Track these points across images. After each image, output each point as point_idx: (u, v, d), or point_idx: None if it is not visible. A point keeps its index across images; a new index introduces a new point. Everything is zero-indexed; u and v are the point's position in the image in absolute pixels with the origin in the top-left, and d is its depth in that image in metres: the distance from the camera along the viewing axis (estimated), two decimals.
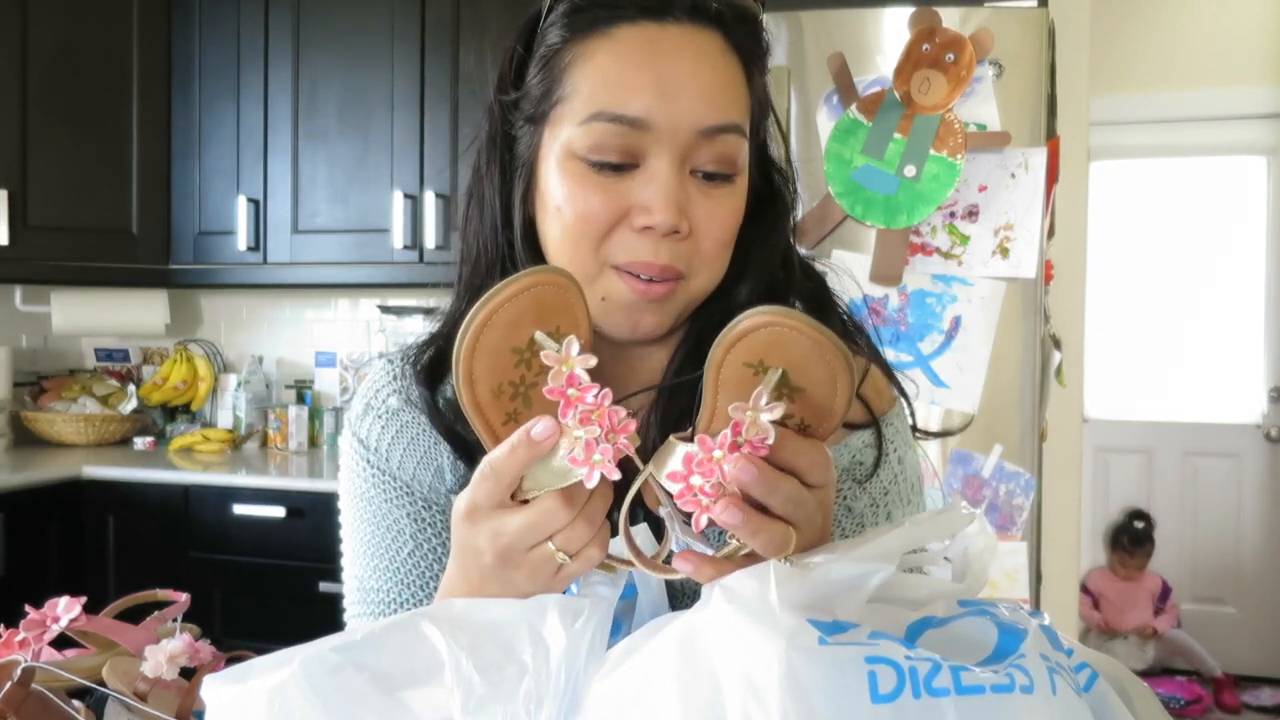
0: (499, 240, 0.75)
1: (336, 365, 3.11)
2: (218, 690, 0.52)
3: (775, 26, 2.09)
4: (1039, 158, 1.98)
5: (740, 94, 0.71)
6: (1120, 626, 3.89)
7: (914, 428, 0.84)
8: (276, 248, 2.83)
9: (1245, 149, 3.99)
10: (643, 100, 0.67)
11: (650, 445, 0.58)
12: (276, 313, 3.23)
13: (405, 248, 2.71)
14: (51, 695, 0.76)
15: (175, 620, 0.95)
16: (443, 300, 0.84)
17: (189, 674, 0.84)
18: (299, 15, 2.80)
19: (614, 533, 0.58)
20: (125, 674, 0.83)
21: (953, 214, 2.01)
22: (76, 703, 0.77)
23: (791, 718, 0.44)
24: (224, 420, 3.10)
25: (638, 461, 0.54)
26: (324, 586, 2.38)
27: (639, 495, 0.56)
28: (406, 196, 2.70)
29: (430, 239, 2.68)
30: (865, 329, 0.82)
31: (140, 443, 2.96)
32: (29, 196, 2.76)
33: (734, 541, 0.54)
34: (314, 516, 2.45)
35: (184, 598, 0.97)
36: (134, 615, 0.93)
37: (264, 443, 3.02)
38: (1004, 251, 1.99)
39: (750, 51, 0.72)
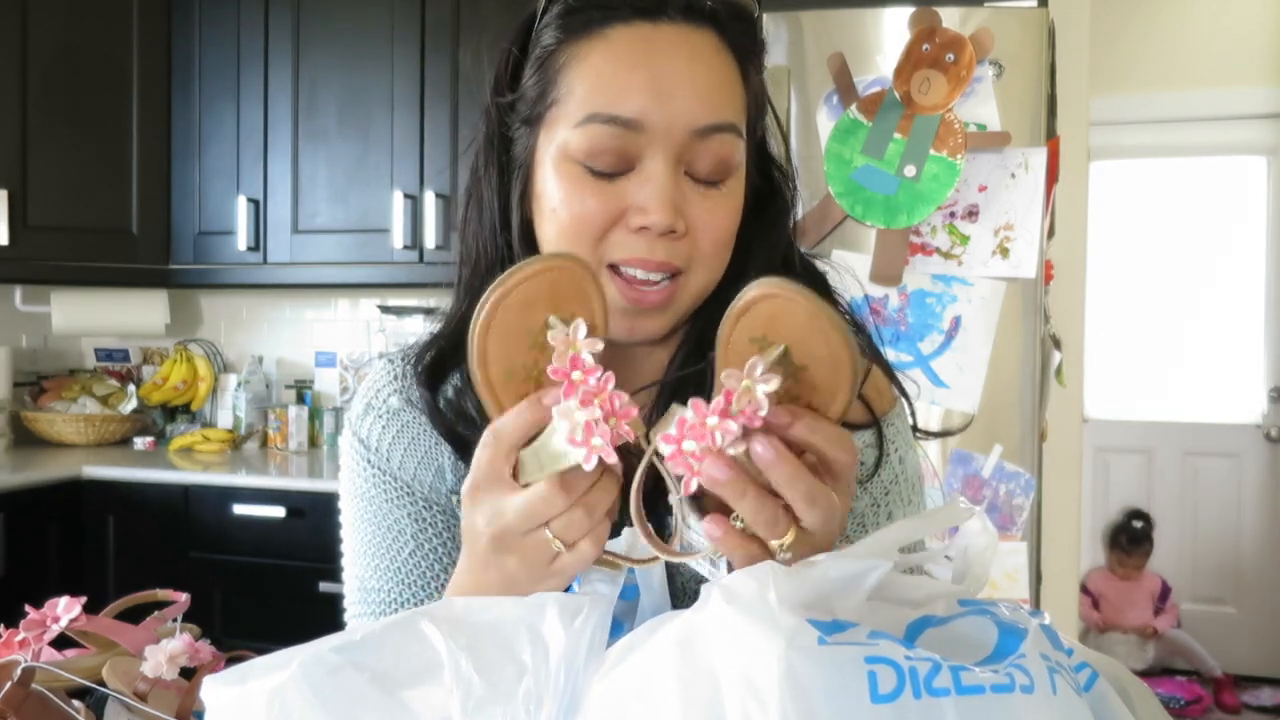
0: (497, 241, 0.75)
1: (336, 365, 3.11)
2: (218, 691, 0.52)
3: (775, 26, 2.09)
4: (1039, 158, 1.98)
5: (736, 93, 0.71)
6: (1120, 626, 3.89)
7: (914, 427, 0.85)
8: (276, 248, 2.83)
9: (1245, 149, 3.98)
10: (637, 101, 0.67)
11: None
12: (276, 313, 3.23)
13: (405, 248, 2.71)
14: (51, 695, 0.76)
15: (175, 620, 0.94)
16: (443, 300, 0.84)
17: (189, 674, 0.84)
18: (299, 15, 2.80)
19: (616, 533, 0.58)
20: (125, 674, 0.83)
21: (953, 214, 2.01)
22: (76, 703, 0.77)
23: (791, 718, 0.44)
24: (224, 420, 3.10)
25: (643, 443, 0.54)
26: (324, 586, 2.38)
27: (658, 492, 0.55)
28: (406, 196, 2.70)
29: (430, 239, 2.68)
30: (866, 328, 0.82)
31: (140, 443, 2.96)
32: (29, 196, 2.76)
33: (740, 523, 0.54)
34: (314, 516, 2.45)
35: (184, 598, 0.97)
36: (134, 615, 0.93)
37: (264, 443, 3.02)
38: (1004, 251, 1.99)
39: (745, 50, 0.72)
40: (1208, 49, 3.86)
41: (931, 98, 1.91)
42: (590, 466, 0.52)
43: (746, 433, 0.52)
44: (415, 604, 0.79)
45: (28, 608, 0.86)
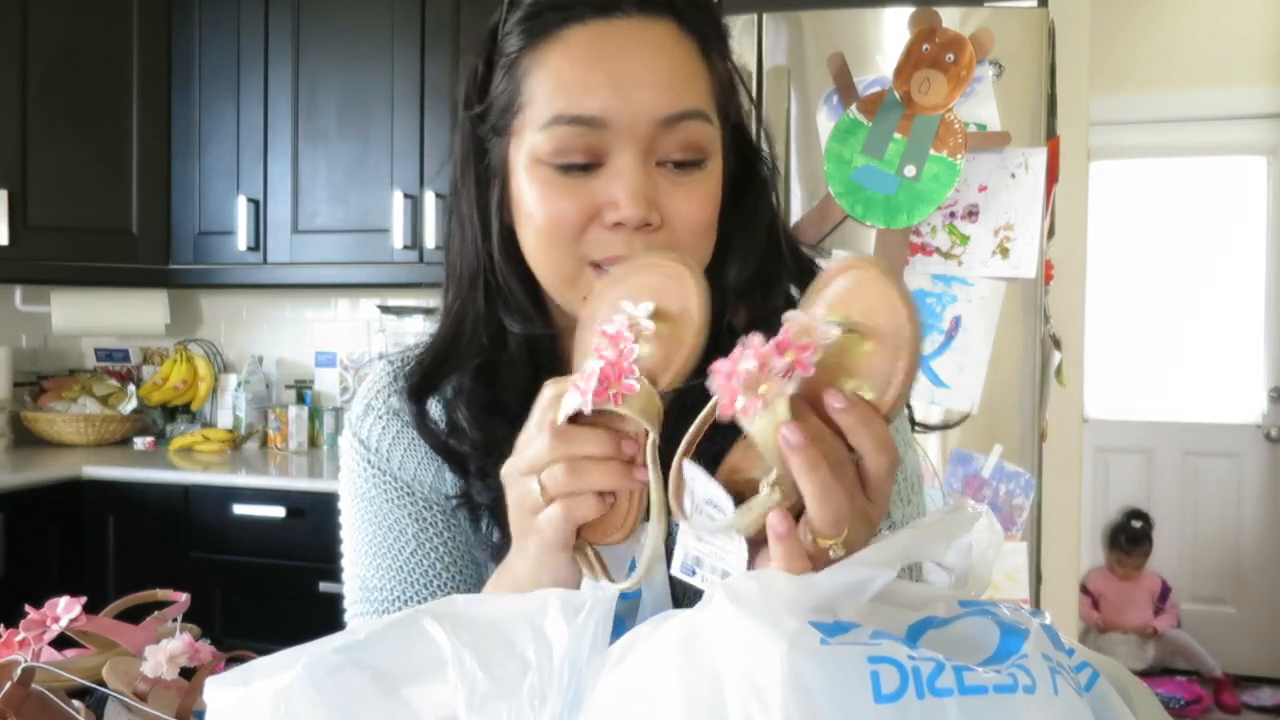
0: (479, 253, 0.76)
1: (336, 365, 3.11)
2: (221, 693, 0.52)
3: (775, 26, 2.09)
4: (1039, 158, 1.98)
5: (699, 79, 0.71)
6: (1120, 626, 3.89)
7: (913, 421, 0.85)
8: (276, 248, 2.83)
9: (1245, 149, 3.99)
10: (598, 99, 0.67)
11: (657, 438, 0.58)
12: (276, 313, 3.23)
13: (405, 248, 2.71)
14: (51, 695, 0.76)
15: (175, 620, 0.95)
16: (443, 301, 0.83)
17: (189, 674, 0.84)
18: (299, 15, 2.80)
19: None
20: (125, 674, 0.83)
21: (953, 214, 2.01)
22: (76, 703, 0.77)
23: (794, 718, 0.44)
24: (224, 420, 3.10)
25: (645, 426, 0.56)
26: (324, 586, 2.38)
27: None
28: (406, 196, 2.70)
29: (430, 239, 2.68)
30: None
31: (140, 443, 2.96)
32: (29, 196, 2.76)
33: (766, 489, 0.53)
34: (314, 516, 2.45)
35: (184, 598, 0.97)
36: (134, 615, 0.93)
37: (264, 443, 3.02)
38: (1004, 251, 1.99)
39: (705, 35, 0.72)
40: (1208, 49, 3.86)
41: (931, 98, 1.91)
42: (567, 405, 0.56)
43: (792, 402, 0.51)
44: (419, 602, 0.79)
45: (28, 608, 0.86)
